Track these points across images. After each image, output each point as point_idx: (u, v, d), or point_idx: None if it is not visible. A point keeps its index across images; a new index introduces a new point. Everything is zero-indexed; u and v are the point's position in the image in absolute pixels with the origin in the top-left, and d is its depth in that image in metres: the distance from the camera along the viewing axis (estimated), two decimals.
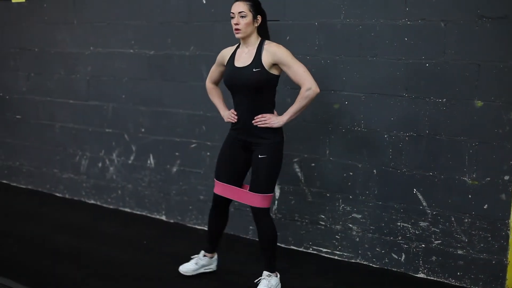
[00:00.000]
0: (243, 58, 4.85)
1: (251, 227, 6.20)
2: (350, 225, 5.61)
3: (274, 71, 4.78)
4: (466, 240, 5.05)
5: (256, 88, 4.76)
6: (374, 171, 5.43)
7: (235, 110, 4.93)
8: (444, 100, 5.04)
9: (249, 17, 4.77)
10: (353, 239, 5.61)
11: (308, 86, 4.71)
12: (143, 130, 6.93)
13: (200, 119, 6.46)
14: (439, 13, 5.01)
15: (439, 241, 5.17)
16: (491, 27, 4.81)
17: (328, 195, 5.71)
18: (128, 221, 6.80)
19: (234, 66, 4.86)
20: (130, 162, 7.09)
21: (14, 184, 8.39)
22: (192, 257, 5.46)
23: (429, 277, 5.24)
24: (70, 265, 5.60)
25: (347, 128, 5.54)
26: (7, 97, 8.40)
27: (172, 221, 6.77)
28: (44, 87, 7.93)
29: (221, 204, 5.12)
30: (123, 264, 5.59)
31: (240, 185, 5.05)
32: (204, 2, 6.32)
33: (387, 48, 5.27)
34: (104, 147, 7.33)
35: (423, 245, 5.25)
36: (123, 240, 6.19)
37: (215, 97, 5.28)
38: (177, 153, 6.66)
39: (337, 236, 5.69)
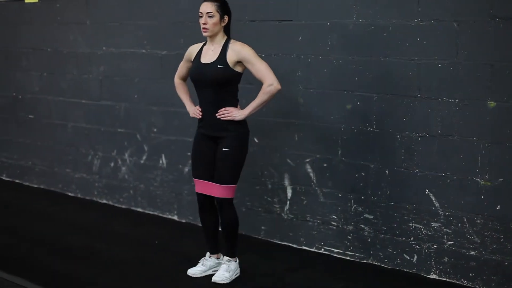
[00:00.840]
0: (209, 55, 5.08)
1: (262, 227, 6.20)
2: (362, 226, 5.60)
3: (238, 68, 5.04)
4: (479, 241, 5.03)
5: (220, 84, 5.00)
6: (386, 171, 5.42)
7: (200, 105, 5.15)
8: (457, 100, 5.02)
9: (216, 17, 5.01)
10: (365, 239, 5.60)
11: (270, 82, 4.97)
12: (155, 130, 6.94)
13: None
14: (452, 14, 4.99)
15: (451, 242, 5.15)
16: (504, 28, 4.79)
17: (340, 195, 5.70)
18: (140, 221, 6.81)
19: (200, 62, 5.09)
20: (142, 162, 7.10)
21: (27, 184, 8.42)
22: (199, 261, 5.46)
23: (441, 278, 5.22)
24: (82, 264, 5.62)
25: (359, 128, 5.53)
26: (20, 96, 8.43)
27: (184, 221, 6.77)
28: (56, 87, 7.95)
29: (206, 201, 5.25)
30: (135, 264, 5.60)
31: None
32: None
33: (399, 49, 5.26)
34: (116, 147, 7.35)
35: (435, 246, 5.23)
36: (135, 240, 6.20)
37: (182, 92, 5.47)
38: (189, 153, 6.66)
39: (349, 237, 5.69)
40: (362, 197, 5.57)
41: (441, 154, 5.14)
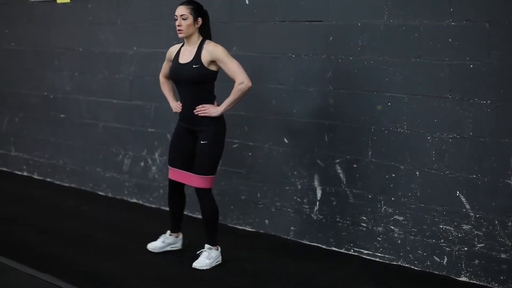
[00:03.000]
0: (186, 55, 5.45)
1: (292, 228, 6.20)
2: (392, 227, 5.57)
3: (213, 67, 5.39)
4: (510, 243, 4.99)
5: (196, 82, 5.37)
6: (417, 173, 5.39)
7: (180, 102, 5.55)
8: (489, 101, 4.99)
9: (190, 19, 5.38)
10: (394, 241, 5.57)
11: (241, 80, 5.30)
12: None
13: (241, 119, 6.47)
14: (483, 14, 4.96)
15: (482, 245, 5.11)
16: None
17: (370, 196, 5.68)
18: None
19: (178, 62, 5.48)
20: None
21: (58, 182, 8.48)
22: (159, 236, 5.89)
23: (471, 281, 5.19)
24: (112, 263, 5.64)
25: (390, 129, 5.51)
26: (52, 96, 8.49)
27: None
28: (87, 86, 8.00)
29: (176, 188, 5.70)
30: (165, 263, 5.62)
31: (191, 169, 5.53)
32: (247, 2, 6.33)
33: (430, 49, 5.23)
34: (147, 146, 7.38)
35: (465, 248, 5.19)
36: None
37: (166, 90, 5.84)
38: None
39: (378, 238, 5.67)
40: (392, 198, 5.55)
41: (472, 156, 5.11)
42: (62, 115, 8.38)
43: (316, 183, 6.00)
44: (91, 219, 6.93)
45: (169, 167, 5.64)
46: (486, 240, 5.09)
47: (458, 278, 5.24)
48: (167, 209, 7.13)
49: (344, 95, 5.75)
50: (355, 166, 5.75)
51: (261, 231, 6.44)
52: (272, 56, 6.20)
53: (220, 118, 5.43)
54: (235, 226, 6.63)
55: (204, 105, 5.38)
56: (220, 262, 5.56)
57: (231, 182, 6.63)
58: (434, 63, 5.22)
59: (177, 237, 5.91)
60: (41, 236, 6.34)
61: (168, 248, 5.86)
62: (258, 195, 6.42)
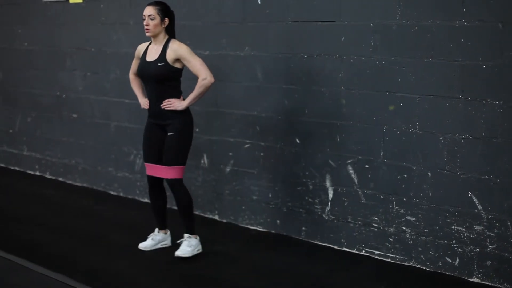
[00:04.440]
0: (152, 54, 5.69)
1: (303, 228, 6.20)
2: (404, 228, 5.56)
3: (177, 65, 5.63)
4: None
5: (161, 79, 5.61)
6: (429, 173, 5.38)
7: (148, 98, 5.79)
8: (501, 102, 4.97)
9: (157, 19, 5.61)
10: (406, 242, 5.56)
11: (204, 76, 5.55)
12: (197, 130, 6.95)
13: (254, 120, 6.47)
14: (496, 14, 4.94)
15: (494, 246, 5.10)
16: None
17: (381, 197, 5.67)
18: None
19: (145, 60, 5.71)
20: None
21: (70, 182, 8.51)
22: (148, 236, 6.03)
23: (483, 282, 5.17)
24: (123, 262, 5.66)
25: (402, 129, 5.50)
26: (64, 96, 8.52)
27: (224, 220, 6.79)
28: (100, 86, 8.02)
29: (155, 183, 5.87)
30: (176, 263, 5.63)
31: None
32: (259, 2, 6.33)
33: (443, 50, 5.22)
34: None
35: (477, 249, 5.18)
36: (176, 239, 6.22)
37: (135, 86, 6.05)
38: (230, 153, 6.68)
39: (390, 239, 5.66)
40: (404, 199, 5.54)
41: (484, 156, 5.09)
42: (74, 115, 8.40)
43: (327, 183, 6.00)
44: (103, 219, 6.95)
45: (145, 163, 5.84)
46: (498, 241, 5.07)
47: (470, 279, 5.23)
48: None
49: (356, 95, 5.75)
50: (367, 166, 5.74)
51: (273, 231, 6.44)
52: (284, 56, 6.20)
53: (186, 112, 5.66)
54: (247, 226, 6.63)
55: (170, 100, 5.61)
56: (200, 251, 5.77)
57: (242, 182, 6.63)
58: (446, 63, 5.21)
59: (165, 233, 6.07)
60: (53, 236, 6.36)
61: (159, 246, 5.99)
62: (270, 195, 6.42)
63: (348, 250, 5.93)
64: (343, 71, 5.81)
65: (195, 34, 6.90)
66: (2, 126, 9.50)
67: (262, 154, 6.47)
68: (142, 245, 5.96)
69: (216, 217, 6.87)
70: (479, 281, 5.19)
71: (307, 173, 6.13)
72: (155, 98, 5.67)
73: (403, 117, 5.49)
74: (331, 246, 6.02)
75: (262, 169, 6.48)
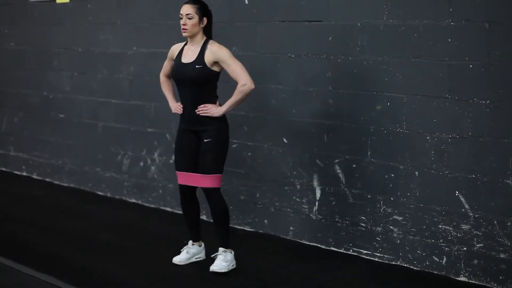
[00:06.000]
0: (189, 55, 5.37)
1: (291, 228, 6.20)
2: (391, 227, 5.57)
3: (215, 68, 5.32)
4: (509, 243, 4.99)
5: (198, 83, 5.29)
6: (416, 173, 5.39)
7: (181, 102, 5.43)
8: (488, 102, 4.99)
9: (195, 18, 5.29)
10: (394, 241, 5.57)
11: (244, 82, 5.24)
12: None
13: (241, 120, 6.47)
14: (483, 14, 4.96)
15: (481, 245, 5.12)
16: None
17: (369, 196, 5.68)
18: (169, 220, 6.84)
19: (181, 61, 5.39)
20: (171, 161, 7.12)
21: (57, 183, 8.49)
22: (182, 249, 5.67)
23: (470, 281, 5.19)
24: (111, 263, 5.65)
25: (389, 129, 5.51)
26: (51, 96, 8.50)
27: (212, 220, 6.78)
28: (87, 86, 8.01)
29: (188, 193, 5.53)
30: (165, 263, 5.62)
31: (198, 170, 5.43)
32: (247, 2, 6.34)
33: (430, 49, 5.23)
34: (146, 146, 7.38)
35: (464, 248, 5.20)
36: (164, 239, 6.23)
37: (166, 89, 5.74)
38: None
39: (377, 238, 5.67)
40: (391, 199, 5.55)
41: (471, 156, 5.11)
42: (61, 115, 8.38)
43: (315, 183, 6.01)
44: (90, 219, 6.94)
45: (177, 172, 5.51)
46: (485, 240, 5.09)
47: (457, 278, 5.24)
48: (167, 209, 7.19)
49: (343, 95, 5.76)
50: (354, 166, 5.75)
51: (260, 231, 6.44)
52: (272, 56, 6.20)
53: (222, 118, 5.35)
54: (234, 226, 6.63)
55: (206, 105, 5.29)
56: (235, 266, 5.44)
57: (230, 182, 6.63)
58: (433, 63, 5.23)
59: (200, 246, 5.71)
60: (41, 236, 6.35)
61: (193, 259, 5.66)
62: (258, 195, 6.42)
63: (335, 249, 5.94)
64: (331, 71, 5.82)
65: None
66: None
67: (249, 154, 6.47)
68: (177, 259, 5.62)
69: (204, 217, 6.86)
70: (466, 280, 5.20)
71: (294, 172, 6.14)
72: (190, 103, 5.33)
73: (390, 116, 5.50)
74: (319, 245, 6.03)
75: (249, 168, 6.49)
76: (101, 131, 7.89)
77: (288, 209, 6.21)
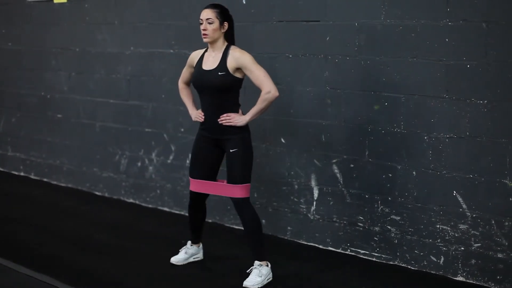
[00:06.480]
0: (210, 62, 5.19)
1: (289, 227, 6.20)
2: (389, 227, 5.58)
3: (238, 75, 5.14)
4: (506, 243, 5.00)
5: (220, 90, 5.13)
6: (414, 172, 5.40)
7: (202, 110, 5.27)
8: (485, 101, 4.99)
9: (216, 23, 5.12)
10: (391, 241, 5.58)
11: (268, 89, 5.06)
12: (182, 130, 6.96)
13: None
14: (481, 14, 4.96)
15: (479, 244, 5.12)
16: None
17: (366, 196, 5.69)
18: (167, 220, 6.84)
19: (202, 68, 5.21)
20: (169, 161, 7.13)
21: (55, 183, 8.48)
22: (180, 250, 5.68)
23: (468, 281, 5.19)
24: (109, 263, 5.65)
25: (387, 129, 5.51)
26: (49, 96, 8.49)
27: (210, 220, 6.78)
28: (85, 86, 8.00)
29: (198, 200, 5.45)
30: (162, 263, 5.62)
31: (214, 179, 5.38)
32: (244, 2, 6.34)
33: (427, 49, 5.23)
34: (144, 146, 7.38)
35: (462, 248, 5.20)
36: (162, 239, 6.22)
37: (186, 96, 5.59)
38: None
39: (375, 238, 5.67)
40: (389, 198, 5.55)
41: (469, 156, 5.11)
42: (59, 115, 8.38)
43: (313, 183, 6.01)
44: (88, 219, 6.93)
45: (191, 178, 5.38)
46: (483, 240, 5.10)
47: (455, 278, 5.25)
48: (164, 209, 7.18)
49: (341, 95, 5.76)
50: (352, 166, 5.75)
51: None
52: (269, 56, 6.20)
53: (245, 127, 5.20)
54: (232, 226, 6.63)
55: (229, 114, 5.14)
56: (271, 279, 5.23)
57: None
58: (431, 63, 5.23)
59: (198, 246, 5.69)
60: (38, 236, 6.34)
61: (191, 259, 5.64)
62: (255, 195, 6.42)
63: (333, 249, 5.94)
64: (328, 71, 5.82)
65: (181, 34, 6.89)
66: None
67: None
68: (175, 259, 5.60)
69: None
70: (464, 279, 5.21)
71: (292, 172, 6.14)
72: (212, 111, 5.18)
73: (388, 116, 5.50)
74: (317, 245, 6.03)
75: None
76: (99, 131, 7.88)
77: (286, 209, 6.21)
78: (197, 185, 5.36)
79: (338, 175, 5.84)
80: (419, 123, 5.33)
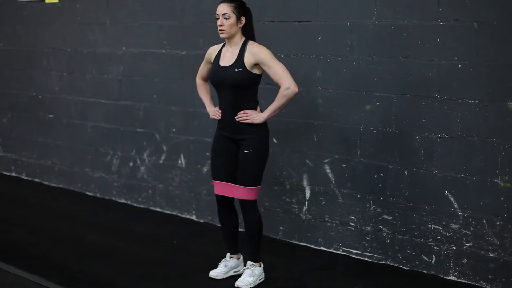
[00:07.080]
0: (227, 58, 5.04)
1: (281, 227, 6.20)
2: (381, 227, 5.58)
3: (256, 71, 4.98)
4: (498, 243, 5.01)
5: (238, 87, 4.97)
6: (405, 172, 5.40)
7: (220, 107, 5.13)
8: (477, 101, 5.00)
9: (233, 18, 4.95)
10: (383, 240, 5.58)
11: (287, 85, 4.90)
12: (174, 130, 6.95)
13: None
14: (472, 14, 4.98)
15: (470, 244, 5.13)
16: None
17: (358, 196, 5.69)
18: (159, 221, 6.83)
19: (219, 65, 5.06)
20: (161, 162, 7.12)
21: (46, 183, 8.46)
22: (219, 263, 5.39)
23: (459, 280, 5.20)
24: (101, 263, 5.64)
25: (379, 129, 5.52)
26: (40, 96, 8.47)
27: (202, 221, 6.78)
28: (76, 86, 7.99)
29: (225, 203, 5.22)
30: (154, 263, 5.61)
31: (235, 180, 5.15)
32: None
33: (419, 49, 5.24)
34: (135, 146, 7.37)
35: (454, 248, 5.21)
36: (154, 240, 6.22)
37: (203, 93, 5.43)
38: (207, 153, 6.67)
39: (367, 238, 5.67)
40: (381, 198, 5.56)
41: (460, 155, 5.12)
42: (50, 116, 8.36)
43: (305, 183, 6.01)
44: (80, 220, 6.92)
45: (214, 181, 5.20)
46: (474, 239, 5.11)
47: (447, 277, 5.26)
48: (156, 209, 7.18)
49: (333, 94, 5.76)
50: (344, 166, 5.76)
51: None
52: None
53: (263, 125, 5.05)
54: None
55: (247, 111, 4.99)
56: (263, 279, 5.21)
57: None
58: (422, 62, 5.24)
59: (238, 258, 5.37)
60: (30, 237, 6.33)
61: (231, 273, 5.32)
62: None
63: (325, 249, 5.94)
64: (320, 71, 5.82)
65: (173, 34, 6.89)
66: None
67: None
68: (214, 273, 5.29)
69: (194, 217, 6.86)
70: (456, 279, 5.22)
71: (284, 172, 6.14)
72: (229, 108, 5.02)
73: (379, 116, 5.51)
74: (309, 245, 6.03)
75: None
76: (90, 131, 7.87)
77: (278, 209, 6.21)
78: (222, 188, 5.16)
79: (330, 175, 5.85)
80: (410, 123, 5.34)
